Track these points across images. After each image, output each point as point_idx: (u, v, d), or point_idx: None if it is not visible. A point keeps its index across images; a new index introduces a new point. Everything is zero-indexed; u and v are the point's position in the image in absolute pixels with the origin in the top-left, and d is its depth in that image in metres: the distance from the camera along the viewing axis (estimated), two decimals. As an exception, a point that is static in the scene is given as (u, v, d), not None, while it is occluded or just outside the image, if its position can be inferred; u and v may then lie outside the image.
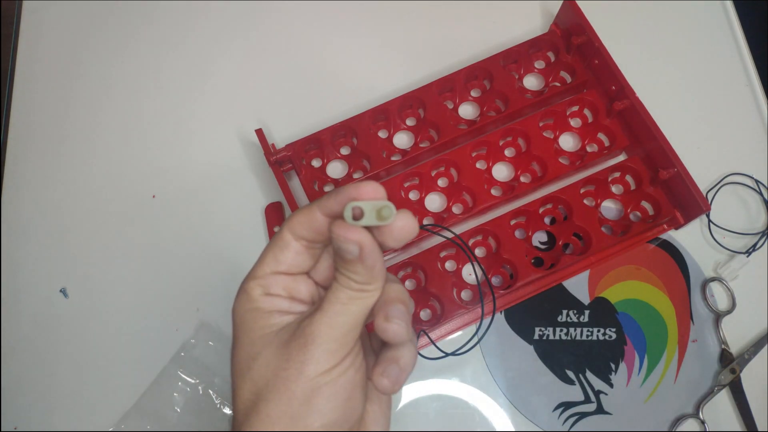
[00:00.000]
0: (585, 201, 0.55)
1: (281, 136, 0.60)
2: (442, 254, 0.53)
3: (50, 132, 0.62)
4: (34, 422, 0.52)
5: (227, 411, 0.51)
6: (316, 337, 0.26)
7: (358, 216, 0.26)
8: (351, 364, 0.27)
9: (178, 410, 0.51)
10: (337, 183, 0.56)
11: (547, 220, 0.55)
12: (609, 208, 0.55)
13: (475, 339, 0.51)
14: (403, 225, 0.26)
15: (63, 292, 0.56)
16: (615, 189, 0.56)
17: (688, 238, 0.55)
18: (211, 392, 0.52)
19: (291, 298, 0.29)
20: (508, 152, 0.57)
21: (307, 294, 0.30)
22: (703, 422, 0.50)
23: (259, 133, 0.54)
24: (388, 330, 0.27)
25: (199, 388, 0.52)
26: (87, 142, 0.61)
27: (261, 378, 0.26)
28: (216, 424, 0.51)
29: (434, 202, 0.56)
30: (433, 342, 0.49)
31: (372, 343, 0.33)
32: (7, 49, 0.66)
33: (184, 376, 0.52)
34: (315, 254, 0.30)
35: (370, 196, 0.26)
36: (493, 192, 0.55)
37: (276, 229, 0.56)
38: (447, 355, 0.48)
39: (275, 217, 0.57)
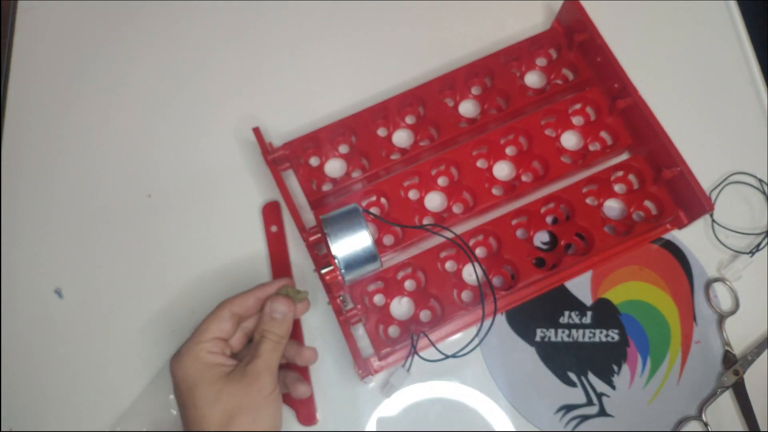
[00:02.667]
0: (587, 200, 0.54)
1: (279, 134, 0.59)
2: (443, 254, 0.52)
3: (45, 131, 0.61)
4: (29, 423, 0.52)
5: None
6: (261, 373, 0.41)
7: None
8: (278, 386, 0.42)
9: (174, 413, 0.51)
10: (336, 182, 0.55)
11: (548, 220, 0.55)
12: (612, 207, 0.55)
13: (476, 341, 0.50)
14: (303, 309, 0.46)
15: (58, 292, 0.55)
16: (618, 188, 0.55)
17: (692, 238, 0.54)
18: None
19: (222, 353, 0.42)
20: (510, 151, 0.57)
21: (228, 350, 0.44)
22: (706, 424, 0.49)
23: (257, 131, 0.54)
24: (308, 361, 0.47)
25: (196, 390, 0.51)
26: (82, 141, 0.61)
27: (230, 402, 0.39)
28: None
29: (434, 201, 0.55)
30: (433, 344, 0.49)
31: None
32: (2, 47, 0.66)
33: None
34: (236, 326, 0.44)
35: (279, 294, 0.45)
36: (494, 191, 0.54)
37: (273, 228, 0.56)
38: (447, 357, 0.48)
39: (273, 216, 0.56)
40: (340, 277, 0.44)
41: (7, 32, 0.66)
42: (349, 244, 0.42)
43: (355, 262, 0.43)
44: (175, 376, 0.41)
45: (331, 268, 0.44)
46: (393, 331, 0.52)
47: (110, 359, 0.53)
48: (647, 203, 0.54)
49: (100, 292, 0.55)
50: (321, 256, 0.50)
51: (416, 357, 0.49)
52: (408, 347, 0.49)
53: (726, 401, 0.50)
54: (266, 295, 0.44)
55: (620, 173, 0.55)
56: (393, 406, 0.51)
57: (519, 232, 0.54)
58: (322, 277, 0.45)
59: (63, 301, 0.55)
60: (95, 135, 0.61)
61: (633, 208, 0.54)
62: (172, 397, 0.51)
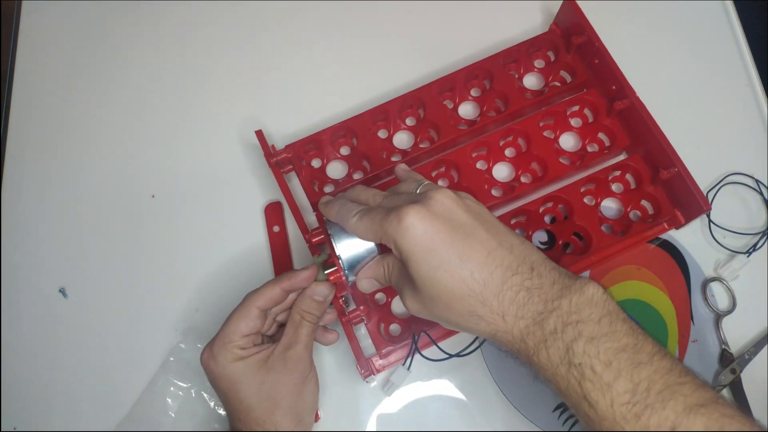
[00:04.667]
0: (585, 200, 0.54)
1: (281, 136, 0.59)
2: (443, 254, 0.53)
3: (49, 132, 0.62)
4: (32, 423, 0.52)
5: (221, 412, 0.51)
6: (301, 357, 0.44)
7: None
8: (314, 368, 0.46)
9: (173, 415, 0.51)
10: (337, 183, 0.56)
11: (547, 219, 0.55)
12: (609, 207, 0.55)
13: (478, 340, 0.51)
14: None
15: (62, 292, 0.56)
16: (615, 188, 0.56)
17: (689, 237, 0.55)
18: (204, 394, 0.52)
19: (254, 345, 0.44)
20: (509, 152, 0.57)
21: (259, 339, 0.46)
22: (703, 422, 0.50)
23: (259, 134, 0.54)
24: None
25: (192, 391, 0.52)
26: (86, 142, 0.61)
27: (273, 390, 0.43)
28: (211, 424, 0.51)
29: (434, 202, 0.56)
30: (435, 342, 0.49)
31: None
32: (6, 48, 0.66)
33: (175, 380, 0.52)
34: (264, 318, 0.45)
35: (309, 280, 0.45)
36: (494, 192, 0.55)
37: (276, 229, 0.56)
38: (451, 356, 0.48)
39: (275, 217, 0.57)
40: (343, 278, 0.44)
41: (12, 33, 0.66)
42: (353, 244, 0.43)
43: (358, 263, 0.43)
44: (212, 373, 0.44)
45: (335, 268, 0.45)
46: (394, 329, 0.52)
47: (114, 359, 0.54)
48: (644, 203, 0.55)
49: (104, 291, 0.56)
50: (323, 256, 0.51)
51: (417, 355, 0.49)
52: (409, 346, 0.50)
53: (723, 399, 0.51)
54: (293, 286, 0.44)
55: (618, 173, 0.56)
56: (394, 403, 0.51)
57: (518, 232, 0.54)
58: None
59: (67, 300, 0.56)
60: (99, 135, 0.61)
61: (630, 207, 0.55)
62: (169, 400, 0.51)
